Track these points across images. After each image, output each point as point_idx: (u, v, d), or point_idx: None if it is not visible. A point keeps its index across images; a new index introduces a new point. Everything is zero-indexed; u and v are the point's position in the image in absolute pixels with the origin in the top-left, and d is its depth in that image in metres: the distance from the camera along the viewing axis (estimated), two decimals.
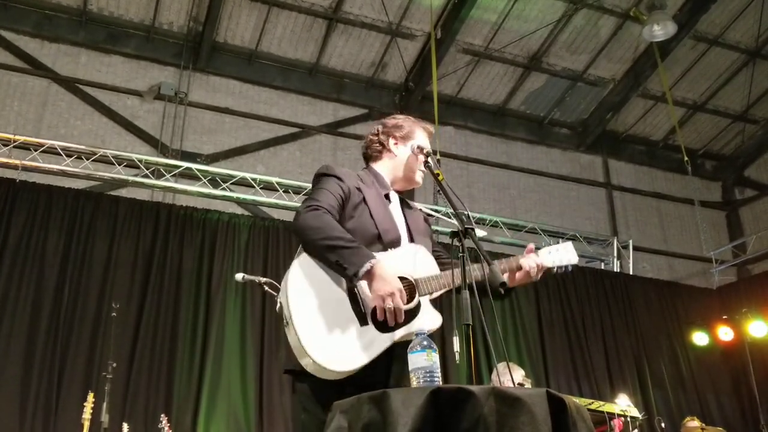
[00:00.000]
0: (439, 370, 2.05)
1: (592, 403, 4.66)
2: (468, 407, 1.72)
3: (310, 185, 8.94)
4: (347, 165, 9.03)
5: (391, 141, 2.75)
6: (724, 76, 9.79)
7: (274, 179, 7.91)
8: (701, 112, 10.29)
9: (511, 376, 2.89)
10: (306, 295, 2.30)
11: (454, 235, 2.40)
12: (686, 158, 8.81)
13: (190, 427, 6.44)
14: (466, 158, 9.71)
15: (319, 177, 2.63)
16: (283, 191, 7.93)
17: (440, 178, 2.60)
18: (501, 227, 8.76)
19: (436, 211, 8.57)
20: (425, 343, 2.09)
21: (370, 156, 2.81)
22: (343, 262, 2.26)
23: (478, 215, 8.70)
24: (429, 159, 2.66)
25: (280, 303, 2.36)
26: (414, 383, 2.01)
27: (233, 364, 6.83)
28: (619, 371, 8.50)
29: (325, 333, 2.26)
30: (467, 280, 2.21)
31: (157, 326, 6.72)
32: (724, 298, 9.77)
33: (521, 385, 4.61)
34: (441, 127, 8.98)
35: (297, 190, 7.99)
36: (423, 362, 2.04)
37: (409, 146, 2.72)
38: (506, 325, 8.21)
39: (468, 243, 2.32)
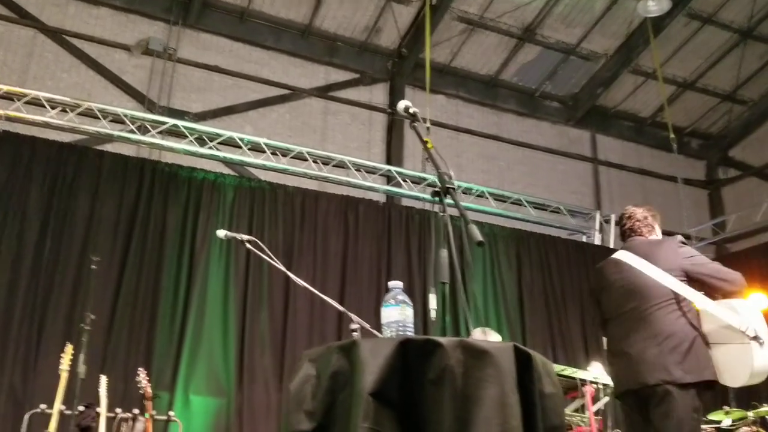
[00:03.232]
0: (412, 325, 2.08)
1: (565, 369, 4.74)
2: (435, 358, 1.75)
3: (298, 148, 8.82)
4: (336, 129, 9.02)
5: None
6: (715, 55, 9.79)
7: (261, 140, 7.86)
8: (690, 90, 10.31)
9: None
10: None
11: (435, 194, 2.42)
12: (672, 136, 8.84)
13: (170, 383, 6.46)
14: (456, 128, 9.69)
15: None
16: (271, 153, 7.89)
17: (429, 145, 2.57)
18: (488, 197, 8.80)
19: (423, 179, 8.59)
20: (400, 297, 2.11)
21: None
22: None
23: (465, 185, 8.72)
24: (416, 123, 2.54)
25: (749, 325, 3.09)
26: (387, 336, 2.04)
27: (215, 323, 6.86)
28: (595, 340, 8.61)
29: None
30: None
31: (139, 282, 6.71)
32: None
33: None
34: (432, 96, 8.94)
35: (284, 152, 7.95)
36: (396, 316, 2.07)
37: None
38: (487, 292, 8.30)
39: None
